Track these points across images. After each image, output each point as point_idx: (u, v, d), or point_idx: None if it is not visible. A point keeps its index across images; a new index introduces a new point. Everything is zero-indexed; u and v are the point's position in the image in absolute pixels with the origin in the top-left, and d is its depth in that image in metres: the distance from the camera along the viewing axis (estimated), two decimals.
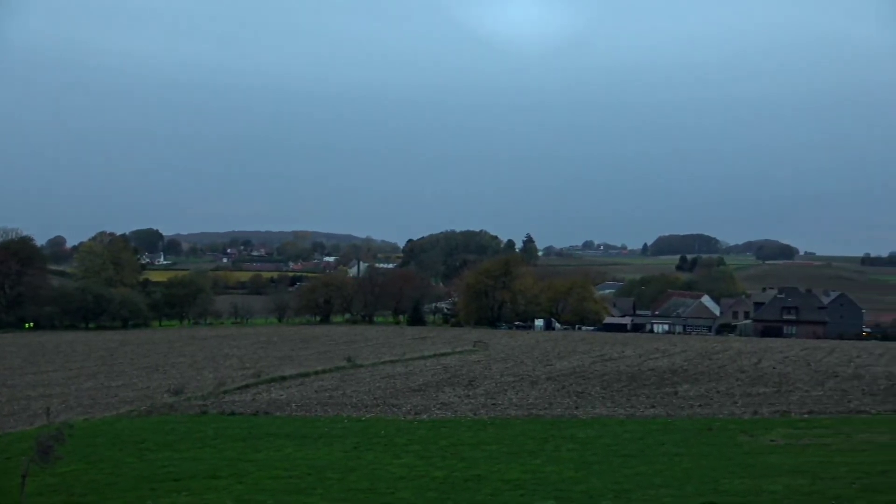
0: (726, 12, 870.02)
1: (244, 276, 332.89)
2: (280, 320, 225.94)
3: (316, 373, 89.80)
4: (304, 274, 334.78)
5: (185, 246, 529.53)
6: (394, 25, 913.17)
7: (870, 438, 44.45)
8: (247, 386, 78.43)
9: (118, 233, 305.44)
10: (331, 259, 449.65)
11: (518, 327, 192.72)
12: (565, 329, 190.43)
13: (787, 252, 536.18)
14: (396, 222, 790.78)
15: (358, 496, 32.04)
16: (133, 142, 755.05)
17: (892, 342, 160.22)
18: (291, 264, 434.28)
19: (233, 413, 60.91)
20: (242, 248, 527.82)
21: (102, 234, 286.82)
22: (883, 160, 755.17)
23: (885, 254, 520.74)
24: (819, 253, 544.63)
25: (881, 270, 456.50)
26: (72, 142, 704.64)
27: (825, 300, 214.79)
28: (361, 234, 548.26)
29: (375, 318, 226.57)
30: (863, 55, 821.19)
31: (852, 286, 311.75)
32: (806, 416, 55.47)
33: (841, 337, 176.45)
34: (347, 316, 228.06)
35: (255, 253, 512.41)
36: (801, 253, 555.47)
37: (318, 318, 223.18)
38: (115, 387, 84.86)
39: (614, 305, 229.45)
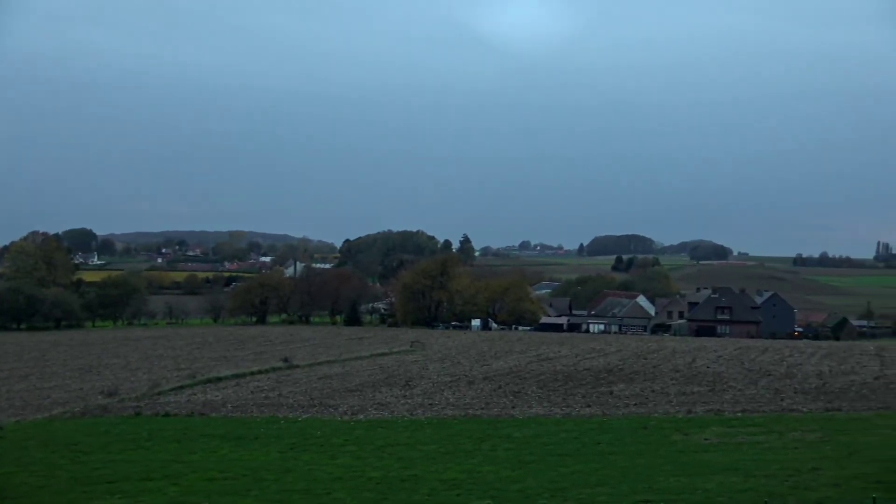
0: (656, 18, 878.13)
1: (179, 277, 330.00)
2: (215, 321, 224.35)
3: (252, 373, 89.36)
4: (240, 274, 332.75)
5: (118, 246, 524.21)
6: (326, 23, 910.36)
7: (801, 436, 45.05)
8: (182, 387, 77.85)
9: (51, 232, 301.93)
10: (267, 259, 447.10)
11: (455, 327, 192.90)
12: (502, 329, 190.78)
13: (721, 252, 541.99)
14: (333, 222, 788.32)
15: (294, 497, 31.91)
16: (65, 140, 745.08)
17: (823, 341, 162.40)
18: (227, 264, 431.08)
19: (167, 414, 60.45)
20: (177, 248, 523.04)
21: (34, 233, 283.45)
22: (813, 162, 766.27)
23: (816, 254, 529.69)
24: (752, 253, 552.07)
25: (812, 270, 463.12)
26: (1, 140, 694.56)
27: (758, 300, 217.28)
28: (298, 234, 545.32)
29: (312, 319, 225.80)
30: (791, 59, 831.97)
31: (785, 286, 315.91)
32: (739, 414, 56.10)
33: (773, 336, 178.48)
34: (284, 316, 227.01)
35: (190, 253, 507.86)
36: (735, 253, 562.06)
37: (254, 319, 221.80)
38: (47, 388, 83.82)
39: (550, 305, 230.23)
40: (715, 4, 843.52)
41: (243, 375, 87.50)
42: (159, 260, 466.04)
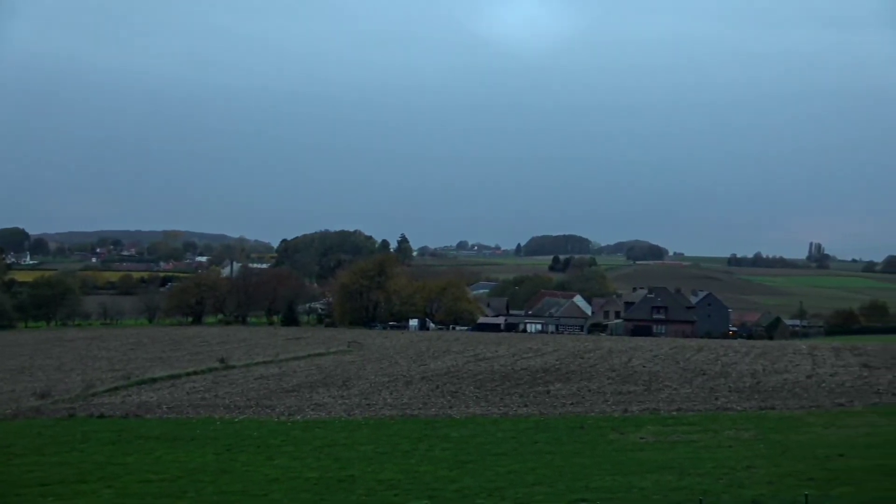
0: (603, 21, 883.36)
1: (114, 277, 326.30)
2: (151, 321, 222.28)
3: (187, 374, 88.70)
4: (176, 274, 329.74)
5: (52, 245, 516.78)
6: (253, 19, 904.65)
7: (735, 435, 45.56)
8: (116, 388, 77.08)
9: None
10: (203, 259, 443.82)
11: (393, 327, 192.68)
12: (439, 329, 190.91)
13: (657, 253, 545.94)
14: (270, 222, 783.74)
15: (230, 499, 31.75)
16: None
17: (757, 340, 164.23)
18: (163, 264, 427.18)
19: (102, 416, 59.82)
20: (112, 247, 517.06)
21: None
22: (748, 162, 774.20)
23: (750, 254, 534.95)
24: (687, 254, 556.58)
25: (747, 271, 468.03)
26: None
27: (693, 300, 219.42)
28: (234, 234, 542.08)
29: (249, 319, 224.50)
30: (732, 63, 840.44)
31: (719, 286, 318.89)
32: (674, 413, 56.61)
33: (708, 335, 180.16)
34: (220, 316, 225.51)
35: (125, 253, 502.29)
36: (671, 253, 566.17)
37: (189, 319, 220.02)
38: None
39: (488, 305, 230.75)
40: (664, 9, 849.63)
41: (179, 376, 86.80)
42: (93, 260, 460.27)
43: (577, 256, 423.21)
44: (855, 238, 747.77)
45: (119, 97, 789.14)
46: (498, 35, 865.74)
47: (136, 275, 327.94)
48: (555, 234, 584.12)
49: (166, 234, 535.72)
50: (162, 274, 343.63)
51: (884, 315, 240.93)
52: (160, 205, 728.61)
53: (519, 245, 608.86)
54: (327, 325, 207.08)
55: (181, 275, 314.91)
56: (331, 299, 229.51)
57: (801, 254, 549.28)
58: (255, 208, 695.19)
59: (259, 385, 79.38)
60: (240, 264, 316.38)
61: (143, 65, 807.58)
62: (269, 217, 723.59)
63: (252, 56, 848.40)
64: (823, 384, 71.86)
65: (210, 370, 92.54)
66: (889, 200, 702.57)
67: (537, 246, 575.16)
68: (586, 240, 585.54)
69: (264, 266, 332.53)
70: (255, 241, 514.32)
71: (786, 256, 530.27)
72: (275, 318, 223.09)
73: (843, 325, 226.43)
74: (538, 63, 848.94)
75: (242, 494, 32.47)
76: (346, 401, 67.10)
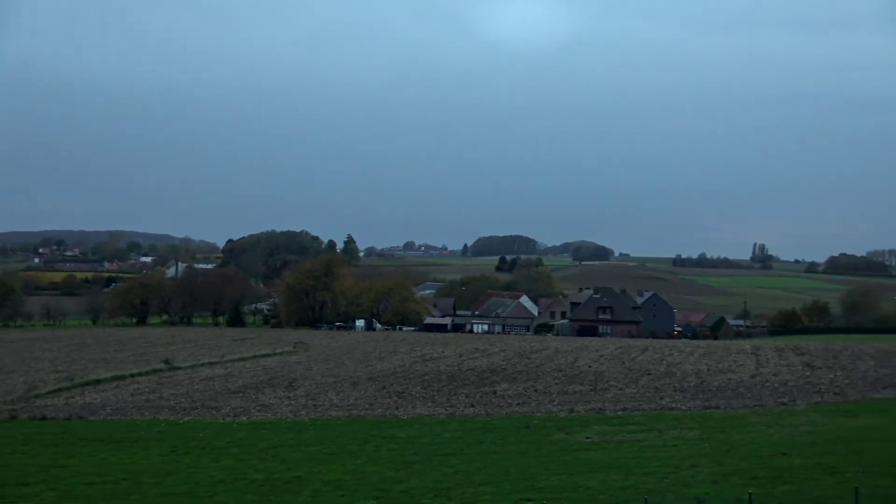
0: (544, 21, 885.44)
1: (57, 277, 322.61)
2: (95, 322, 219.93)
3: (132, 375, 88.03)
4: (120, 275, 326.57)
5: None
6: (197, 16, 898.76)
7: (680, 434, 45.94)
8: (59, 390, 76.35)
9: None
10: (148, 259, 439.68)
11: (339, 328, 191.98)
12: (386, 329, 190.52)
13: (603, 253, 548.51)
14: (216, 222, 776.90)
15: (175, 501, 31.55)
16: None
17: (701, 340, 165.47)
18: (107, 265, 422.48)
19: (44, 418, 59.25)
20: (55, 247, 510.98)
21: None
22: (692, 163, 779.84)
23: (695, 255, 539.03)
24: (633, 254, 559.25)
25: (691, 271, 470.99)
26: None
27: (639, 300, 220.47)
28: (179, 234, 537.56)
29: (194, 320, 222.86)
30: (679, 66, 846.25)
31: (664, 286, 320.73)
32: (620, 413, 56.99)
33: (654, 336, 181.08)
34: (165, 317, 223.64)
35: (68, 253, 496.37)
36: (616, 254, 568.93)
37: (134, 320, 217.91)
38: None
39: (435, 306, 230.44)
40: (605, 10, 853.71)
41: (123, 377, 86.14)
42: (36, 260, 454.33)
43: (523, 257, 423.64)
44: (798, 239, 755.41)
45: (62, 96, 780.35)
46: (440, 36, 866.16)
47: (79, 275, 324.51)
48: (501, 234, 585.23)
49: (111, 234, 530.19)
50: (106, 274, 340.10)
51: (826, 315, 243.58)
52: (104, 205, 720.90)
53: (466, 245, 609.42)
54: (273, 326, 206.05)
55: (126, 275, 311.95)
56: (277, 300, 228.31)
57: (744, 254, 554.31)
58: (201, 208, 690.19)
59: (204, 386, 78.93)
60: (185, 265, 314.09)
61: (87, 62, 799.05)
62: (214, 217, 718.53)
63: (200, 54, 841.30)
64: (767, 384, 72.63)
65: (155, 371, 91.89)
66: (831, 202, 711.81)
67: (484, 246, 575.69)
68: (533, 240, 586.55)
69: (210, 266, 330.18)
70: (201, 241, 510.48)
71: (730, 257, 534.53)
72: (220, 319, 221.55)
73: (786, 325, 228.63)
74: (483, 63, 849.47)
75: (187, 496, 32.29)
76: (293, 402, 66.92)
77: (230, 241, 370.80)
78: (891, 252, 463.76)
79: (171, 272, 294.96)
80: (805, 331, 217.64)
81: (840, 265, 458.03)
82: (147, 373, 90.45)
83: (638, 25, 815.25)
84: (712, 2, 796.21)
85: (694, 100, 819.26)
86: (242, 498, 32.28)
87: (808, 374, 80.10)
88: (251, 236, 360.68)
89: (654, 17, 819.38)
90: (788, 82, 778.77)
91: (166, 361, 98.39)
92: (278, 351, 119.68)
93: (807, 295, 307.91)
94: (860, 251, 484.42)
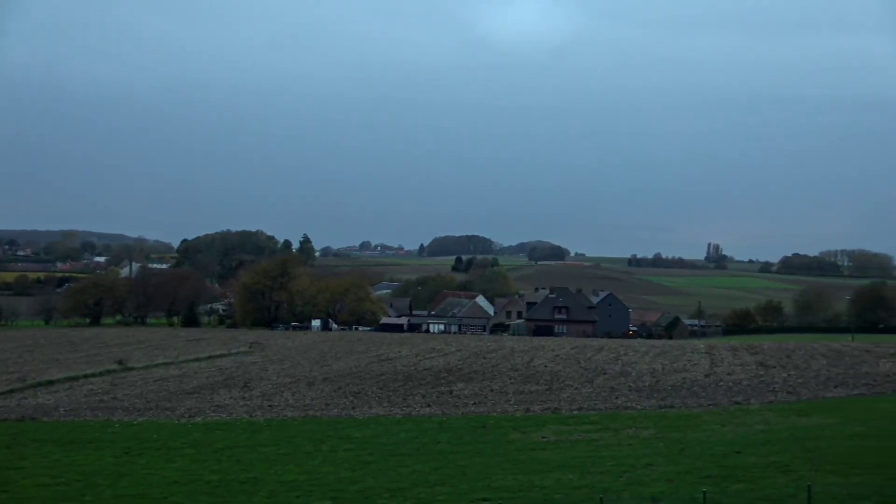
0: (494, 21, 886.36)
1: (9, 277, 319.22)
2: (47, 322, 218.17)
3: (85, 376, 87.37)
4: (74, 275, 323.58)
5: None
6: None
7: (635, 433, 46.18)
8: (11, 391, 75.64)
9: None
10: (102, 259, 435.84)
11: (295, 328, 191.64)
12: (342, 329, 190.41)
13: (559, 253, 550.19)
14: (171, 222, 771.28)
15: (129, 502, 31.36)
16: None
17: (656, 340, 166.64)
18: (60, 265, 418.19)
19: None
20: (7, 247, 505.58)
21: None
22: (647, 164, 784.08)
23: (650, 255, 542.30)
24: (589, 254, 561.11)
25: (647, 271, 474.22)
26: None
27: (594, 300, 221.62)
28: (134, 234, 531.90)
29: (149, 320, 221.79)
30: (638, 67, 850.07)
31: (620, 286, 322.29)
32: (576, 412, 57.19)
33: (609, 335, 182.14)
34: (119, 318, 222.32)
35: (20, 253, 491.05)
36: (572, 254, 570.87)
37: (87, 320, 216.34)
38: None
39: (391, 306, 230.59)
40: (572, 11, 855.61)
41: (76, 378, 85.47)
42: None
43: (479, 257, 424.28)
44: (752, 239, 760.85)
45: (14, 94, 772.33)
46: (393, 36, 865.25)
47: (32, 275, 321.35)
48: (457, 234, 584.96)
49: (64, 233, 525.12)
50: (59, 274, 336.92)
51: (779, 315, 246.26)
52: (57, 204, 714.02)
53: (422, 245, 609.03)
54: (229, 326, 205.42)
55: (79, 275, 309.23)
56: (232, 300, 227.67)
57: (699, 254, 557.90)
58: (156, 208, 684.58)
59: (159, 387, 78.48)
60: (139, 265, 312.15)
61: (40, 59, 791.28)
62: (169, 217, 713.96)
63: (154, 54, 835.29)
64: (721, 383, 73.21)
65: (109, 372, 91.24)
66: (784, 203, 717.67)
67: (440, 246, 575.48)
68: (489, 240, 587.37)
69: (164, 266, 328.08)
70: (155, 241, 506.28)
71: (685, 257, 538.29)
72: (175, 319, 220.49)
73: (741, 324, 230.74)
74: (435, 63, 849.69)
75: (141, 498, 32.09)
76: (248, 402, 66.70)
77: (185, 240, 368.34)
78: (843, 252, 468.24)
79: (125, 272, 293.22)
80: (759, 330, 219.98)
81: (793, 265, 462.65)
82: (101, 373, 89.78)
83: (595, 24, 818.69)
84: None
85: (648, 101, 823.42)
86: (197, 499, 32.12)
87: (761, 373, 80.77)
88: (206, 236, 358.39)
89: (618, 18, 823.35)
90: (745, 85, 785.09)
91: (120, 362, 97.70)
92: (234, 351, 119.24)
93: (760, 295, 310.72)
94: (813, 251, 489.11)
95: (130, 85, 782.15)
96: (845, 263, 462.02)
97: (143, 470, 38.48)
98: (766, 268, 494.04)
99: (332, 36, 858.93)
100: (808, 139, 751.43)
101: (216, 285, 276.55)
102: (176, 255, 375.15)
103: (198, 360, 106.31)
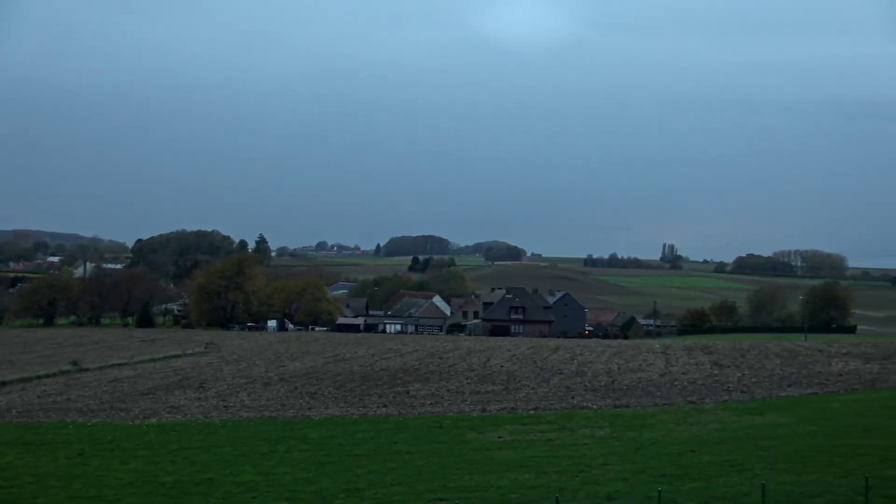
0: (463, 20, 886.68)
1: None
2: (0, 323, 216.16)
3: (38, 377, 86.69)
4: (26, 275, 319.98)
5: None
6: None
7: (591, 433, 46.38)
8: None
9: None
10: (55, 259, 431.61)
11: (251, 328, 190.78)
12: (298, 330, 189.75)
13: (515, 253, 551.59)
14: (125, 222, 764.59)
15: None
16: None
17: (612, 340, 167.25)
18: (12, 264, 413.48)
19: None
20: None
21: None
22: (603, 166, 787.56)
23: (606, 255, 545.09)
24: (545, 254, 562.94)
25: (602, 271, 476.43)
26: None
27: (551, 300, 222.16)
28: (88, 234, 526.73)
29: (103, 321, 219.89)
30: (598, 68, 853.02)
31: (576, 286, 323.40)
32: (532, 412, 57.36)
33: (565, 335, 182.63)
34: (73, 318, 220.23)
35: None
36: (528, 254, 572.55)
37: (40, 321, 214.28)
38: None
39: (347, 306, 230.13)
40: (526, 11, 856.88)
41: (29, 379, 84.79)
42: None
43: (436, 257, 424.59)
44: (707, 240, 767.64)
45: None
46: (351, 35, 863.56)
47: None
48: (414, 234, 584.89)
49: (16, 233, 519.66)
50: (11, 275, 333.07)
51: (733, 314, 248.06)
52: (9, 203, 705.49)
53: (378, 245, 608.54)
54: (184, 327, 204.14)
55: (32, 275, 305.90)
56: (187, 300, 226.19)
57: (654, 255, 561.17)
58: (110, 208, 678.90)
59: (113, 388, 77.98)
60: (93, 265, 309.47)
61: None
62: (124, 217, 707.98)
63: (110, 50, 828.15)
64: (676, 382, 73.66)
65: (62, 373, 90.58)
66: (738, 204, 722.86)
67: (396, 246, 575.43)
68: (445, 240, 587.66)
69: (119, 266, 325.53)
70: (110, 241, 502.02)
71: (640, 257, 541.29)
72: (130, 320, 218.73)
73: (695, 324, 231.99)
74: (398, 60, 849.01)
75: (96, 499, 31.87)
76: (203, 403, 66.40)
77: (140, 240, 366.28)
78: (796, 253, 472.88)
79: (79, 272, 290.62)
80: (713, 330, 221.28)
81: (747, 265, 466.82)
82: (54, 374, 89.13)
83: (547, 24, 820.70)
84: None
85: (607, 101, 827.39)
86: (152, 501, 31.95)
87: (716, 372, 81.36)
88: (161, 236, 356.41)
89: (571, 20, 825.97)
90: (699, 87, 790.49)
91: (74, 363, 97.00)
92: (189, 352, 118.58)
93: (715, 295, 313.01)
94: (767, 252, 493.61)
95: (81, 84, 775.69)
96: (799, 264, 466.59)
97: (97, 472, 38.22)
98: (720, 268, 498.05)
99: (284, 36, 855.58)
100: (762, 141, 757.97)
101: (171, 285, 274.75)
102: (130, 255, 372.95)
103: (152, 360, 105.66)
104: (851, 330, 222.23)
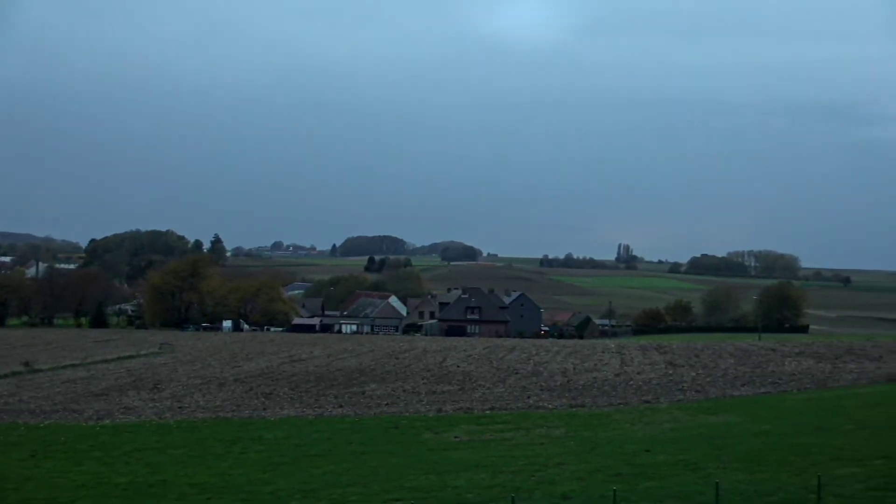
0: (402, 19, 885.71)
1: None
2: None
3: None
4: None
5: None
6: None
7: (547, 432, 46.52)
8: None
9: None
10: (7, 259, 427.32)
11: (206, 328, 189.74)
12: (254, 330, 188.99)
13: (471, 253, 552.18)
14: (79, 221, 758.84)
15: None
16: None
17: (568, 340, 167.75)
18: None
19: None
20: None
21: None
22: (559, 166, 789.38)
23: (561, 255, 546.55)
24: (501, 255, 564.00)
25: (558, 271, 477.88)
26: None
27: (507, 300, 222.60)
28: (41, 234, 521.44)
29: (56, 321, 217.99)
30: (553, 68, 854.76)
31: (532, 286, 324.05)
32: (488, 412, 57.48)
33: (521, 335, 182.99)
34: (25, 318, 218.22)
35: None
36: (484, 254, 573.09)
37: None
38: None
39: (303, 306, 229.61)
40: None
41: None
42: None
43: (392, 257, 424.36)
44: (662, 240, 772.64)
45: None
46: (281, 36, 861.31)
47: None
48: (370, 234, 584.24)
49: None
50: None
51: (688, 314, 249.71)
52: None
53: (334, 245, 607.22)
54: (138, 327, 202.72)
55: None
56: (142, 300, 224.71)
57: (610, 255, 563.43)
58: (64, 207, 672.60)
59: (66, 389, 77.33)
60: (46, 264, 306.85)
61: None
62: (78, 216, 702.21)
63: (60, 51, 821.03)
64: (631, 382, 74.04)
65: (14, 374, 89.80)
66: (693, 204, 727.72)
67: (353, 246, 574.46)
68: (402, 240, 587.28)
69: (72, 266, 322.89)
70: (63, 240, 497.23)
71: (596, 257, 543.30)
72: (83, 320, 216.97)
73: (650, 324, 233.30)
74: (347, 62, 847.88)
75: (48, 502, 31.61)
76: (158, 404, 66.01)
77: (93, 240, 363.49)
78: (750, 253, 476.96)
79: (31, 272, 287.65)
80: (668, 330, 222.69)
81: (702, 266, 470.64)
82: (6, 375, 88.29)
83: (516, 22, 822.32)
84: None
85: (563, 101, 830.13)
86: (105, 503, 31.71)
87: (670, 372, 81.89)
88: (115, 236, 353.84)
89: (537, 21, 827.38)
90: (654, 87, 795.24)
91: (26, 364, 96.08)
92: (143, 352, 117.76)
93: (670, 295, 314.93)
94: (721, 252, 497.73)
95: (31, 83, 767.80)
96: (752, 264, 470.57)
97: (49, 474, 37.91)
98: (675, 268, 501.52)
99: (239, 36, 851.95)
100: (717, 143, 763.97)
101: (125, 286, 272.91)
102: (84, 255, 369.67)
103: (106, 361, 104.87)
104: (804, 329, 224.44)
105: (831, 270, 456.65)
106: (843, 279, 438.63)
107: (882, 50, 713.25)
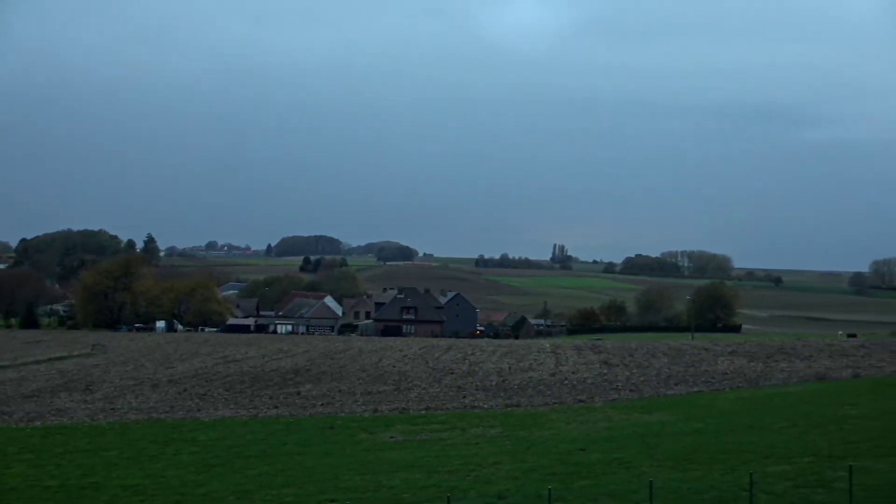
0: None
1: None
2: None
3: None
4: None
5: None
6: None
7: (482, 432, 46.66)
8: None
9: None
10: None
11: (139, 329, 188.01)
12: (188, 330, 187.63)
13: (407, 253, 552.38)
14: (9, 221, 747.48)
15: None
16: None
17: (503, 339, 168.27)
18: None
19: None
20: None
21: None
22: (495, 167, 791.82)
23: (497, 255, 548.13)
24: (437, 255, 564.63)
25: (494, 271, 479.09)
26: None
27: (442, 300, 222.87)
28: None
29: None
30: (494, 67, 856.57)
31: (467, 286, 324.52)
32: (423, 412, 57.53)
33: (457, 335, 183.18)
34: None
35: None
36: (420, 254, 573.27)
37: None
38: None
39: (238, 306, 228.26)
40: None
41: None
42: None
43: (327, 257, 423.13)
44: (597, 240, 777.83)
45: None
46: (253, 37, 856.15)
47: None
48: (306, 234, 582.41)
49: None
50: None
51: (622, 314, 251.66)
52: None
53: (269, 245, 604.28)
54: (70, 328, 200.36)
55: None
56: (73, 301, 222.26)
57: (545, 255, 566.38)
58: None
59: None
60: None
61: None
62: (7, 215, 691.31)
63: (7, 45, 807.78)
64: (566, 381, 74.43)
65: None
66: (627, 205, 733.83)
67: (288, 246, 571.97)
68: (337, 240, 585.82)
69: (2, 266, 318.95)
70: None
71: (531, 258, 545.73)
72: (13, 321, 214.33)
73: (585, 323, 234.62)
74: (289, 61, 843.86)
75: None
76: (90, 405, 65.28)
77: (24, 240, 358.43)
78: (683, 253, 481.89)
79: None
80: (602, 329, 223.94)
81: (636, 266, 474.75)
82: None
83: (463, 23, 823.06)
84: None
85: (498, 101, 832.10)
86: None
87: (605, 371, 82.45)
88: (46, 235, 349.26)
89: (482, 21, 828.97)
90: (592, 89, 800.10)
91: None
92: (75, 353, 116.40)
93: (604, 294, 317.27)
94: (655, 252, 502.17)
95: None
96: (686, 264, 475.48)
97: None
98: (609, 268, 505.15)
99: (186, 31, 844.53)
100: (651, 144, 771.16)
101: (56, 286, 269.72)
102: (14, 254, 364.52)
103: (37, 362, 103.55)
104: (736, 329, 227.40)
105: (763, 271, 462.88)
106: (774, 279, 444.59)
107: (818, 53, 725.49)
